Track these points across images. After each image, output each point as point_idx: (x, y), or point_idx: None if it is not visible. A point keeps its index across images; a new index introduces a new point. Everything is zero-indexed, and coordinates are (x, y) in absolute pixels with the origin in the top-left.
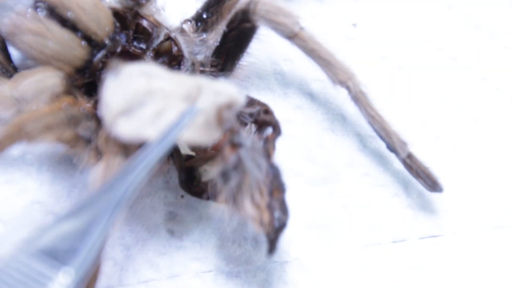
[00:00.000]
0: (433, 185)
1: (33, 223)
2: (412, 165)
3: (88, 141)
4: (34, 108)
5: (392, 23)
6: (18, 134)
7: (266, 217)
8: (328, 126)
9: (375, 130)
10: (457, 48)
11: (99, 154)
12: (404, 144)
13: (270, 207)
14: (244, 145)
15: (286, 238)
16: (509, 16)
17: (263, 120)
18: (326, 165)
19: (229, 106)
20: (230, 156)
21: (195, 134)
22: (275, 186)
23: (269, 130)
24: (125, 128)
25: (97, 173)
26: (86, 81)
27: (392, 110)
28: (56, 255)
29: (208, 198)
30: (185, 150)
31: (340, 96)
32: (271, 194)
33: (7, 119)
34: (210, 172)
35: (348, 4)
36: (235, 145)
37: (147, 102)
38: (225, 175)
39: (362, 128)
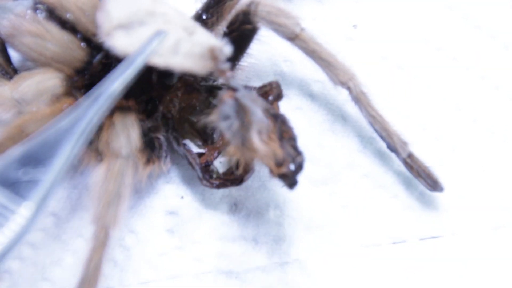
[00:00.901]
0: (434, 184)
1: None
2: (413, 165)
3: (88, 142)
4: (35, 110)
5: (392, 23)
6: (19, 135)
7: (279, 153)
8: (329, 127)
9: (376, 130)
10: (457, 48)
11: (99, 155)
12: (404, 144)
13: (282, 147)
14: (240, 89)
15: (285, 239)
16: (508, 15)
17: (260, 90)
18: (326, 166)
19: (220, 49)
20: (227, 98)
21: (189, 61)
22: (284, 130)
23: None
24: (120, 42)
25: (98, 176)
26: (86, 82)
27: (392, 110)
28: (18, 187)
29: (231, 185)
30: (195, 149)
31: (341, 98)
32: (281, 137)
33: (8, 120)
34: (226, 163)
35: (348, 5)
36: (231, 90)
37: (148, 22)
38: (226, 119)
39: (362, 129)
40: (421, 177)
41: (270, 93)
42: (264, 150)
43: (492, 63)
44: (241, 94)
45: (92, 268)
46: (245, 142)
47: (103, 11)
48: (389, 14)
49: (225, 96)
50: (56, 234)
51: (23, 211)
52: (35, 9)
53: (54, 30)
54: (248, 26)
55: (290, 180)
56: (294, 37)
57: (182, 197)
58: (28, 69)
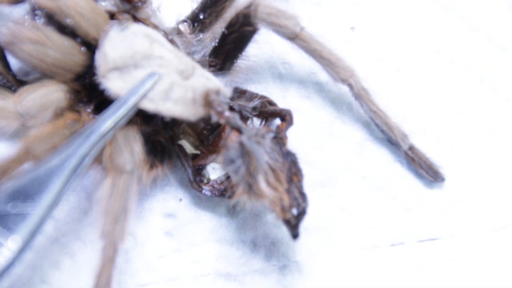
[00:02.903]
0: (435, 175)
1: None
2: (414, 157)
3: None
4: (40, 125)
5: (390, 25)
6: (25, 157)
7: (286, 200)
8: (326, 129)
9: (377, 125)
10: (455, 50)
11: (100, 163)
12: (405, 136)
13: (289, 192)
14: (244, 129)
15: (284, 241)
16: (505, 17)
17: (272, 111)
18: (324, 168)
19: (217, 92)
20: (231, 143)
21: (180, 108)
22: (294, 172)
23: (276, 121)
24: (115, 84)
25: (103, 191)
26: (87, 87)
27: (390, 112)
28: (6, 220)
29: (220, 195)
30: (189, 150)
31: (338, 99)
32: (290, 180)
33: (11, 133)
34: (218, 169)
35: (346, 7)
36: (236, 131)
37: (144, 65)
38: (232, 163)
39: (360, 131)
40: (422, 168)
41: (278, 116)
42: (271, 195)
43: (489, 65)
44: (246, 137)
45: (103, 282)
46: (252, 187)
47: (101, 52)
48: (386, 16)
49: (230, 140)
50: (55, 237)
51: (10, 244)
52: (33, 15)
53: (54, 36)
54: (249, 28)
55: (292, 227)
56: (294, 37)
57: (180, 200)
58: (26, 73)
